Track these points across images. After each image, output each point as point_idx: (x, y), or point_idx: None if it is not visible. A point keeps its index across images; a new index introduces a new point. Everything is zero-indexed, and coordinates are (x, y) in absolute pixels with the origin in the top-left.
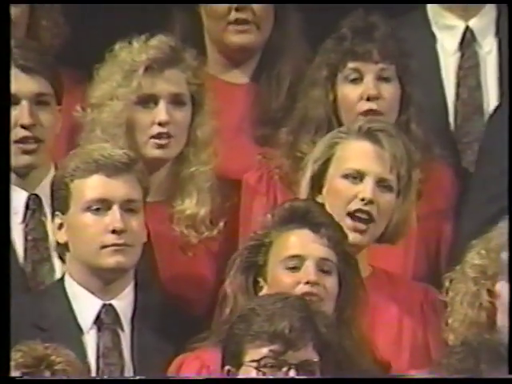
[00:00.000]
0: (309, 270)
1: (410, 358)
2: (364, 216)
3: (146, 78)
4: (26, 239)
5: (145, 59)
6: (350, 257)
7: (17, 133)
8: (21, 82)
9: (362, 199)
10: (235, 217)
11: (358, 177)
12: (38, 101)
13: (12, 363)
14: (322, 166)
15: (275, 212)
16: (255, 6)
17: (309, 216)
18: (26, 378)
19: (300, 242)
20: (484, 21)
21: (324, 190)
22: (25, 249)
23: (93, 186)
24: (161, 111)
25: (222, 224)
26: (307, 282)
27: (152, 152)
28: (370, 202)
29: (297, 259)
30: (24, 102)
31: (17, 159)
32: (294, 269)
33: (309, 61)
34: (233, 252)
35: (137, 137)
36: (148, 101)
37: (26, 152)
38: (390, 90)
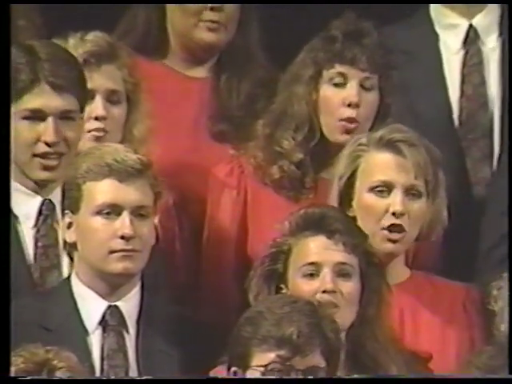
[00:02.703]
0: (326, 278)
1: (456, 361)
2: (398, 229)
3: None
4: (36, 245)
5: (82, 53)
6: (372, 256)
7: (39, 148)
8: (48, 99)
9: (393, 213)
10: (170, 213)
11: (385, 190)
12: (64, 117)
13: (13, 368)
14: (348, 180)
15: (291, 219)
16: (227, 7)
17: (324, 222)
18: (28, 378)
19: (316, 248)
20: (487, 18)
21: (354, 204)
22: (34, 254)
23: (104, 191)
24: (97, 106)
25: (156, 220)
26: (324, 291)
27: (86, 146)
28: (401, 214)
29: (314, 266)
30: (50, 119)
31: (37, 173)
32: (312, 276)
33: (265, 67)
34: (172, 245)
35: None
36: None
37: (46, 168)
38: (369, 99)
